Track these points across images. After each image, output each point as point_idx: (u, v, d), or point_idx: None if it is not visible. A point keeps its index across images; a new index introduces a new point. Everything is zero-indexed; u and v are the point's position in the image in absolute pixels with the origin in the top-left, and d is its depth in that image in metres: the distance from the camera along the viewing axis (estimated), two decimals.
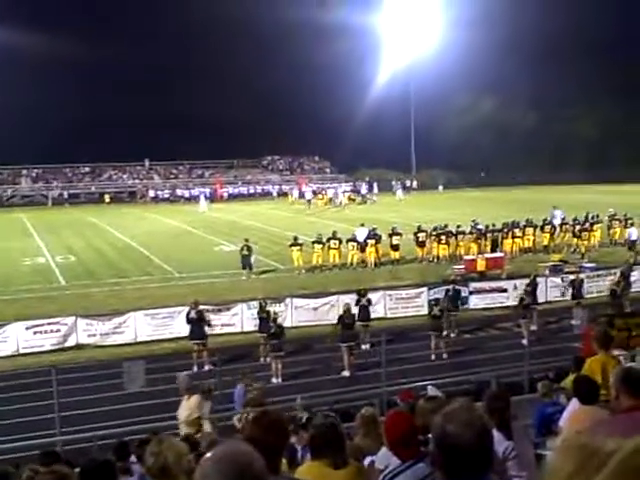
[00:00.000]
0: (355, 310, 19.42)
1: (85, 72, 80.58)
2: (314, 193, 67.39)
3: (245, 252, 29.23)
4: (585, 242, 33.39)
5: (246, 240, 30.02)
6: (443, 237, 31.92)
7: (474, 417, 2.74)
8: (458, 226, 32.73)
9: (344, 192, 68.80)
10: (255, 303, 20.67)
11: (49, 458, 7.66)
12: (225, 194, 72.19)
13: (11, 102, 71.42)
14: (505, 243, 32.50)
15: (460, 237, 32.22)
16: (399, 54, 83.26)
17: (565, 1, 77.57)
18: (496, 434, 4.62)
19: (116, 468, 5.27)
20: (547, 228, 34.33)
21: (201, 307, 19.10)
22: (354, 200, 66.33)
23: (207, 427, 11.53)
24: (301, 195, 68.89)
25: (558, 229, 34.96)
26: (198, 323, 18.66)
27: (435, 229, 32.60)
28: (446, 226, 32.78)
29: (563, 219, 35.91)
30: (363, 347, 19.47)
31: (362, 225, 33.55)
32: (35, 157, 76.02)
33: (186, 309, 19.63)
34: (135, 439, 9.42)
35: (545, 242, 34.04)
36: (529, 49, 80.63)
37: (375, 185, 74.09)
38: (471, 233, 32.68)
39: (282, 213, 56.88)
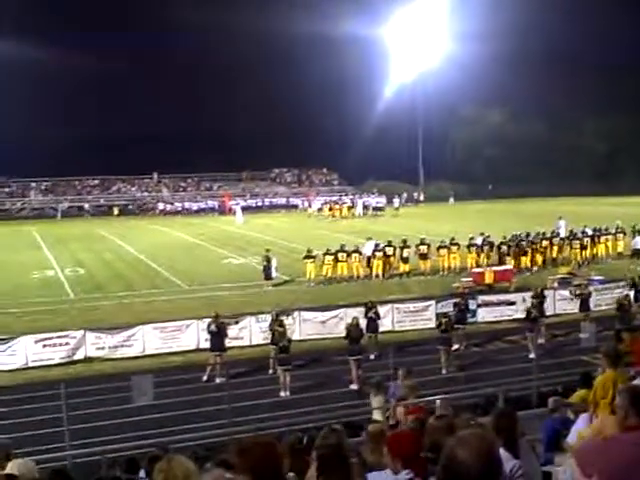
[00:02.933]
0: (363, 322, 19.56)
1: (94, 85, 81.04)
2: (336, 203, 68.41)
3: (265, 263, 29.60)
4: (586, 253, 33.69)
5: (267, 251, 30.43)
6: (452, 248, 32.08)
7: (486, 446, 2.77)
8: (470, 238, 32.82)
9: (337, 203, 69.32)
10: (264, 316, 20.75)
11: (58, 477, 7.65)
12: (235, 207, 72.12)
13: (21, 115, 71.89)
14: (514, 256, 32.40)
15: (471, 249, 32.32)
16: (406, 66, 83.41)
17: (573, 14, 77.61)
18: (503, 453, 4.64)
19: None
20: (555, 240, 34.31)
21: (222, 319, 19.17)
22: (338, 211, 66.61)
23: (377, 417, 12.49)
24: (322, 207, 69.29)
25: (566, 241, 34.90)
26: (218, 335, 18.74)
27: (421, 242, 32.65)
28: (453, 239, 32.78)
29: (571, 231, 35.78)
30: (371, 357, 19.50)
31: (369, 239, 33.61)
32: (44, 170, 76.33)
33: (195, 322, 19.73)
34: (144, 453, 9.46)
35: (554, 255, 33.96)
36: (536, 62, 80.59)
37: (397, 197, 73.12)
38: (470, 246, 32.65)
39: (294, 225, 57.03)
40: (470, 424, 6.15)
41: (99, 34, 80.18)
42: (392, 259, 31.61)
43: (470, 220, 53.74)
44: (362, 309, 20.58)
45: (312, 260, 30.13)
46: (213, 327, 18.75)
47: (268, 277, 29.57)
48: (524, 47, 78.10)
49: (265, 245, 35.39)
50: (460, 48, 77.62)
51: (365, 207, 68.88)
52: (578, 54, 78.47)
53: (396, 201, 70.08)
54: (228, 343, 19.59)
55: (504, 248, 32.34)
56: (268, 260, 29.71)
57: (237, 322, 20.69)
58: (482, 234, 33.98)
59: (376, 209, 68.45)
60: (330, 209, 66.22)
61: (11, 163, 72.36)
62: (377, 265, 31.14)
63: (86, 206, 77.39)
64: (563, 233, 36.14)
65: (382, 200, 70.32)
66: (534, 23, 77.22)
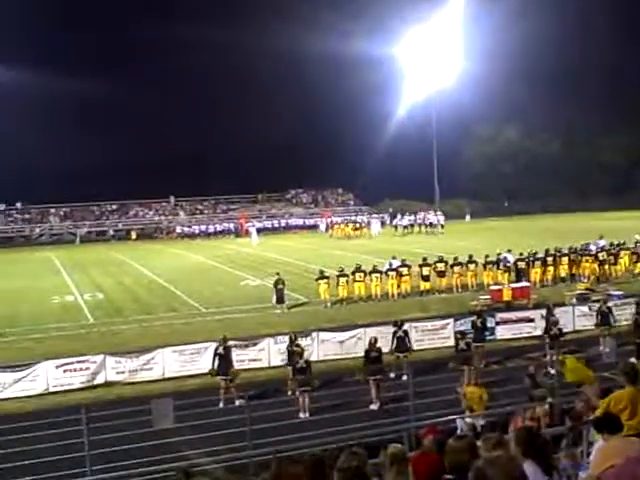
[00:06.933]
0: (391, 341, 19.53)
1: (110, 111, 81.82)
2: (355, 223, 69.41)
3: (280, 286, 29.46)
4: (604, 268, 33.47)
5: (278, 274, 30.40)
6: (470, 266, 32.05)
7: (514, 466, 2.80)
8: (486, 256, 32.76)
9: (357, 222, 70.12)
10: (282, 338, 20.78)
11: None
12: (250, 228, 72.37)
13: (39, 142, 72.70)
14: (532, 272, 32.29)
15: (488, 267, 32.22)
16: (421, 85, 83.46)
17: (586, 28, 77.56)
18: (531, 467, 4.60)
19: None
20: (573, 256, 34.04)
21: (230, 343, 19.19)
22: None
23: None
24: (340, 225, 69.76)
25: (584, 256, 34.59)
26: (226, 359, 18.74)
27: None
28: (471, 256, 32.68)
29: (587, 247, 35.50)
30: (404, 378, 19.15)
31: (394, 257, 33.50)
32: (63, 196, 77.10)
33: (214, 344, 19.78)
34: (166, 477, 9.48)
35: (572, 270, 33.68)
36: (550, 78, 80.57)
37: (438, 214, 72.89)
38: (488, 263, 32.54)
39: (312, 246, 57.16)
40: (495, 444, 6.09)
41: (110, 59, 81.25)
42: (407, 278, 31.42)
43: (491, 236, 53.55)
44: (380, 329, 20.59)
45: (325, 281, 30.10)
46: (221, 350, 18.75)
47: (281, 300, 29.45)
48: (538, 63, 78.18)
49: (282, 266, 35.41)
50: (474, 66, 77.60)
51: (426, 225, 68.92)
52: (593, 69, 78.32)
53: (432, 217, 70.21)
54: (247, 365, 19.58)
55: (521, 264, 32.33)
56: (282, 283, 29.62)
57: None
58: (509, 251, 33.80)
59: (433, 226, 68.18)
60: (356, 229, 66.76)
61: (30, 189, 73.27)
62: (391, 284, 31.06)
63: (111, 232, 78.21)
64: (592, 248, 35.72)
65: (442, 217, 70.51)
66: (548, 39, 77.00)
